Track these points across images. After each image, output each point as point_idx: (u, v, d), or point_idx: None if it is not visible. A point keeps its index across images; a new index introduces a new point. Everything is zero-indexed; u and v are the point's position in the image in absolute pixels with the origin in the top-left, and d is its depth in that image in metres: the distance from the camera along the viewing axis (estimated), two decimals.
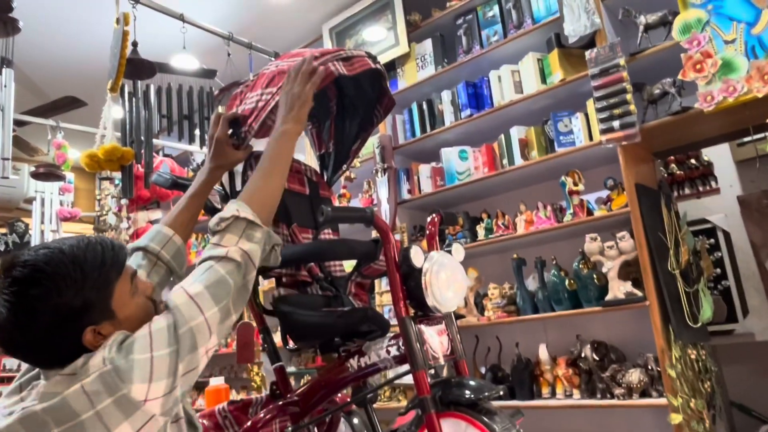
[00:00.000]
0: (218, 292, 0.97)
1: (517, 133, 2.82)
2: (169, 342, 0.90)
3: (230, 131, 1.35)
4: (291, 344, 1.50)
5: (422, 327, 1.28)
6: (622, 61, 2.37)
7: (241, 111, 1.38)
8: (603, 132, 2.38)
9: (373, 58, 1.42)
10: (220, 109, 3.70)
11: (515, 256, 2.77)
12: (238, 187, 1.47)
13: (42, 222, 4.33)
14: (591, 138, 2.57)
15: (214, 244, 1.04)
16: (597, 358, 2.46)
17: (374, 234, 1.34)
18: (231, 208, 1.08)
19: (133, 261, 1.24)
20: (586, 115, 2.61)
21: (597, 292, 2.45)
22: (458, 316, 2.89)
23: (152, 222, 4.46)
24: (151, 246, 1.25)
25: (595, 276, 2.46)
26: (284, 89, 1.26)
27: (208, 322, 0.94)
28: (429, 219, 1.44)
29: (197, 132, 3.17)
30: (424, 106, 3.25)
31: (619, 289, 2.36)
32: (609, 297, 2.38)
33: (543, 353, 2.64)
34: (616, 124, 2.35)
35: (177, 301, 0.94)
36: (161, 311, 0.96)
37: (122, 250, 1.00)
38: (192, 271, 1.03)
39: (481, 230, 2.94)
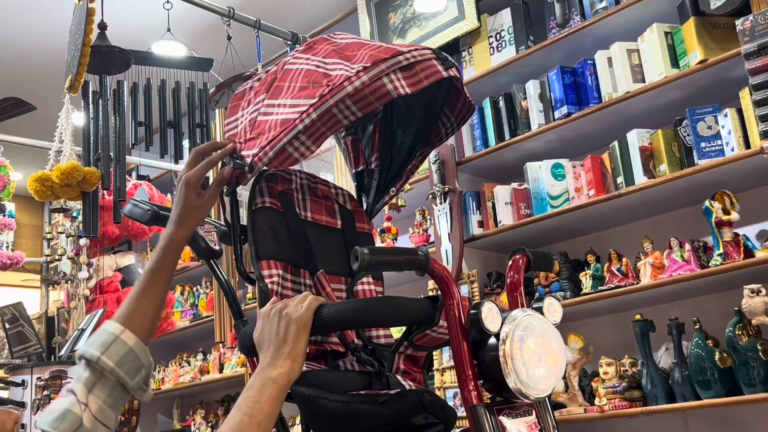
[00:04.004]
0: None
1: (637, 138, 2.80)
2: None
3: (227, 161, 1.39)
4: None
5: (503, 420, 1.27)
6: None
7: (248, 121, 1.43)
8: (765, 135, 2.35)
9: (443, 59, 1.43)
10: (217, 113, 3.78)
11: (638, 317, 2.73)
12: (243, 220, 1.51)
13: None
14: (747, 144, 2.54)
15: None
16: None
17: (430, 283, 1.35)
18: None
19: (76, 373, 1.25)
20: (740, 112, 2.58)
21: (764, 371, 2.40)
22: (556, 405, 2.84)
23: (121, 270, 4.58)
24: (89, 352, 1.25)
25: (759, 347, 2.41)
26: (262, 319, 1.27)
27: None
28: (510, 262, 1.45)
29: (185, 143, 3.28)
30: (501, 103, 3.26)
31: None
32: None
33: None
34: None
35: None
36: None
37: None
38: None
39: (586, 279, 2.91)
